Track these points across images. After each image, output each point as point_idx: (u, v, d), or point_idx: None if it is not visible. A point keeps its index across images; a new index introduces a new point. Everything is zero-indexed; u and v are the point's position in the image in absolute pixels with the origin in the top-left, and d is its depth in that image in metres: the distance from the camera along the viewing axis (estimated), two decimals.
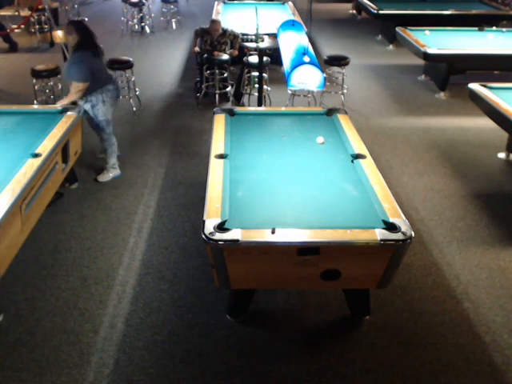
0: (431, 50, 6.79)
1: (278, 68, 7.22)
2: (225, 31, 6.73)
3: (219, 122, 4.18)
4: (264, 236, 2.70)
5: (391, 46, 9.67)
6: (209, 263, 2.89)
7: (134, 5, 10.18)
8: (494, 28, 8.38)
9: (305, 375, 2.93)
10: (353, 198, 3.15)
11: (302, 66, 4.18)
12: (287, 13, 8.52)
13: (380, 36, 10.36)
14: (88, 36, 4.60)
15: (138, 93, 6.69)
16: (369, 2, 9.66)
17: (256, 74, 6.23)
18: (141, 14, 10.47)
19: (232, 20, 7.72)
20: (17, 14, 9.74)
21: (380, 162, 5.29)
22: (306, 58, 4.33)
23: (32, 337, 3.13)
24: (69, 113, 4.44)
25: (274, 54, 6.41)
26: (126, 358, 3.01)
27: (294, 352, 3.08)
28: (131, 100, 6.55)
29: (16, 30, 9.19)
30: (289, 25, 5.81)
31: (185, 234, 4.16)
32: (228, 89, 6.78)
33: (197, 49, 6.93)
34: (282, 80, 5.59)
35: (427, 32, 7.63)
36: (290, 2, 9.25)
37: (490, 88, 5.29)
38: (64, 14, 10.93)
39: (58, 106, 4.59)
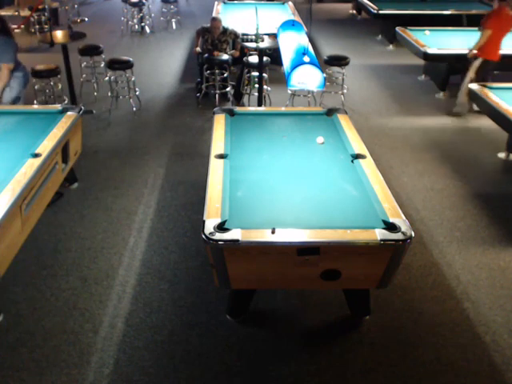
0: (431, 50, 6.79)
1: (278, 68, 7.22)
2: (225, 30, 6.74)
3: (219, 121, 4.18)
4: (264, 236, 2.70)
5: (391, 46, 9.67)
6: (209, 263, 2.89)
7: (134, 5, 10.19)
8: None
9: (305, 375, 2.93)
10: (353, 198, 3.15)
11: (302, 66, 4.18)
12: (287, 13, 8.53)
13: (380, 36, 10.36)
14: (3, 22, 5.01)
15: (137, 93, 6.70)
16: (369, 2, 9.66)
17: (256, 73, 6.24)
18: (141, 14, 10.47)
19: (232, 20, 7.72)
20: (17, 14, 9.75)
21: (380, 162, 5.29)
22: (306, 58, 4.33)
23: (32, 337, 3.13)
24: (69, 113, 4.44)
25: (274, 54, 6.42)
26: (126, 358, 3.01)
27: (293, 352, 3.08)
28: (131, 100, 6.55)
29: (16, 30, 9.19)
30: (289, 25, 5.81)
31: (185, 234, 4.16)
32: (228, 89, 6.78)
33: (198, 49, 6.94)
34: (282, 80, 5.59)
35: (427, 32, 7.63)
36: (290, 2, 9.25)
37: (490, 88, 5.29)
38: (64, 13, 10.93)
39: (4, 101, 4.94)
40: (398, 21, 8.58)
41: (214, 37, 6.71)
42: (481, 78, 6.42)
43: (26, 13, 9.54)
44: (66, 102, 6.41)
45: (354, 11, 12.62)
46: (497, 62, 6.41)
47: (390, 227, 2.77)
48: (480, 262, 3.88)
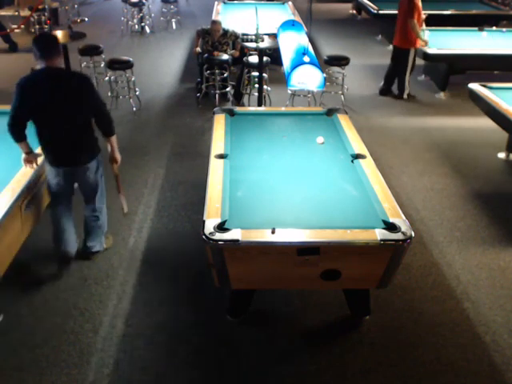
0: (431, 50, 6.80)
1: (278, 68, 7.22)
2: (226, 32, 6.73)
3: (219, 121, 4.18)
4: (264, 236, 2.70)
5: (391, 46, 9.63)
6: (209, 263, 2.89)
7: (134, 5, 10.18)
8: (494, 28, 8.38)
9: (305, 375, 2.93)
10: (353, 198, 3.15)
11: (302, 66, 4.19)
12: (287, 13, 8.53)
13: (380, 36, 10.36)
14: None
15: (138, 93, 6.69)
16: (369, 2, 9.65)
17: (256, 73, 6.23)
18: (141, 14, 10.47)
19: (232, 20, 7.72)
20: (17, 14, 9.76)
21: (380, 162, 5.28)
22: (306, 58, 4.34)
23: (32, 337, 3.13)
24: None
25: (274, 54, 6.42)
26: (126, 358, 3.01)
27: (293, 352, 3.08)
28: (131, 100, 6.55)
29: (16, 30, 9.19)
30: (289, 25, 5.82)
31: (185, 234, 4.15)
32: (228, 89, 6.78)
33: (198, 49, 6.94)
34: (282, 80, 5.59)
35: (427, 32, 7.62)
36: (289, 2, 9.25)
37: (490, 88, 5.29)
38: (64, 13, 10.93)
39: None
40: None
41: (214, 39, 6.70)
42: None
43: (26, 13, 9.54)
44: None
45: (354, 11, 12.63)
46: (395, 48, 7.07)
47: (390, 227, 2.77)
48: (480, 262, 3.88)
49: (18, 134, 3.31)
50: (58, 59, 3.21)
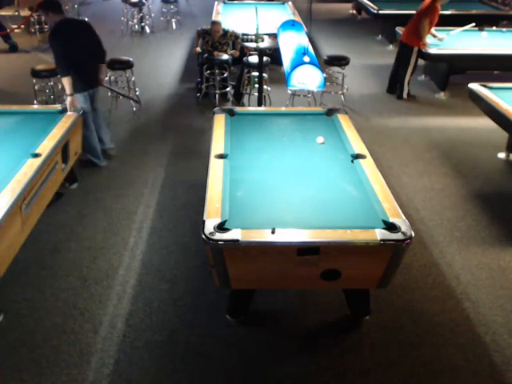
0: (431, 50, 6.80)
1: (278, 68, 7.22)
2: (226, 32, 6.73)
3: (219, 121, 4.18)
4: (264, 236, 2.70)
5: (391, 46, 9.67)
6: (209, 263, 2.89)
7: (133, 5, 10.18)
8: (494, 28, 8.38)
9: (305, 375, 2.93)
10: (353, 198, 3.15)
11: (302, 66, 4.18)
12: (287, 13, 8.53)
13: (380, 36, 10.36)
14: None
15: (137, 93, 6.69)
16: (369, 2, 9.66)
17: (256, 73, 6.23)
18: (141, 14, 10.47)
19: (232, 20, 7.72)
20: (17, 14, 9.75)
21: (380, 162, 5.29)
22: (306, 58, 4.33)
23: (32, 337, 3.14)
24: (69, 113, 4.44)
25: (274, 54, 6.42)
26: (126, 358, 3.01)
27: (293, 352, 3.08)
28: (131, 100, 6.54)
29: (16, 30, 9.19)
30: (289, 25, 5.80)
31: (185, 234, 4.16)
32: (228, 89, 6.78)
33: (198, 49, 6.94)
34: (282, 80, 5.58)
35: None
36: (289, 2, 9.25)
37: (490, 88, 5.29)
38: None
39: None
40: (398, 21, 8.57)
41: (214, 39, 6.70)
42: None
43: (26, 13, 9.53)
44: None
45: (354, 11, 12.62)
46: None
47: (390, 227, 2.77)
48: (480, 262, 3.88)
49: (64, 68, 4.51)
50: (64, 13, 4.69)
